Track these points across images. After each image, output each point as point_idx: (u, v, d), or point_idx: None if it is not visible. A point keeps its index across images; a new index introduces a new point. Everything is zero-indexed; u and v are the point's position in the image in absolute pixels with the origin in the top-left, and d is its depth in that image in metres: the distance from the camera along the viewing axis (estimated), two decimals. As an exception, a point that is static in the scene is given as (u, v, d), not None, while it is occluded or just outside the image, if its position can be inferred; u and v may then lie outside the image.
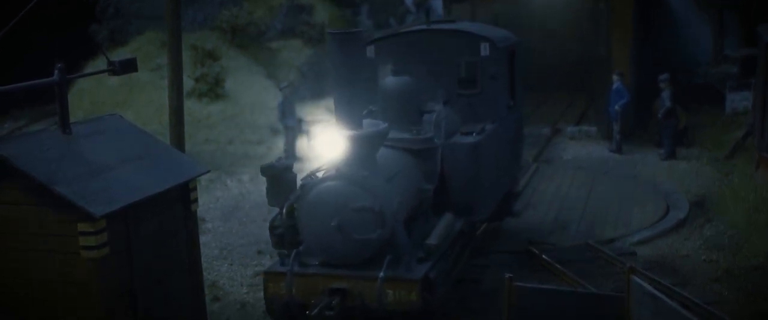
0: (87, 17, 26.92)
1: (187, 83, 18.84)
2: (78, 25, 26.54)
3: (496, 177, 10.85)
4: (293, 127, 17.98)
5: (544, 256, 11.50)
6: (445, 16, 25.55)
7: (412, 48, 10.88)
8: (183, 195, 8.36)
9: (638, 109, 20.04)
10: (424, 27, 11.30)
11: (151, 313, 7.88)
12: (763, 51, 16.16)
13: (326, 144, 8.22)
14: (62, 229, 7.18)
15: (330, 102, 10.01)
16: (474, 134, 10.03)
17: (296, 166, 9.14)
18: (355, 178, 8.09)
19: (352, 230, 8.02)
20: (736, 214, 12.57)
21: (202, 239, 10.55)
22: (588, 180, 16.32)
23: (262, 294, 8.73)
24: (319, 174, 8.51)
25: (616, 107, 18.56)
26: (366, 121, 8.56)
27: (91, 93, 22.31)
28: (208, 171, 9.39)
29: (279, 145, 18.78)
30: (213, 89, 21.49)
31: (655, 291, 7.38)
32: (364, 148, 8.21)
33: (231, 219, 14.58)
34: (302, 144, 17.30)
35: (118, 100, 21.68)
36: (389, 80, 9.75)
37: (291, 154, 17.34)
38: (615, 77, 18.72)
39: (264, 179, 8.86)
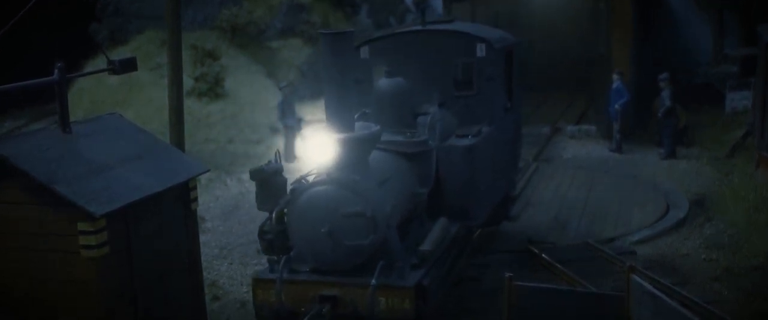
0: (87, 16, 26.92)
1: (187, 82, 18.83)
2: (78, 24, 26.54)
3: (493, 181, 10.64)
4: (293, 127, 17.97)
5: (543, 256, 11.50)
6: (445, 15, 25.54)
7: (407, 48, 10.68)
8: (183, 195, 8.36)
9: (638, 109, 20.05)
10: (419, 27, 11.07)
11: (150, 312, 7.88)
12: (763, 50, 16.17)
13: (316, 147, 7.99)
14: (62, 229, 7.18)
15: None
16: (470, 137, 9.79)
17: (289, 168, 8.95)
18: (346, 183, 7.85)
19: (343, 236, 7.79)
20: (736, 214, 12.58)
21: (202, 238, 10.55)
22: (588, 179, 16.33)
23: None
24: (310, 179, 8.24)
25: (616, 106, 18.57)
26: (358, 124, 8.34)
27: (91, 92, 22.29)
28: (208, 171, 9.34)
29: (279, 144, 18.78)
30: (213, 88, 21.48)
31: (655, 291, 7.38)
32: (356, 152, 7.97)
33: (231, 219, 14.58)
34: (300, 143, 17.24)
35: (118, 100, 21.66)
36: (383, 82, 9.56)
37: (290, 153, 17.34)
38: (615, 76, 18.73)
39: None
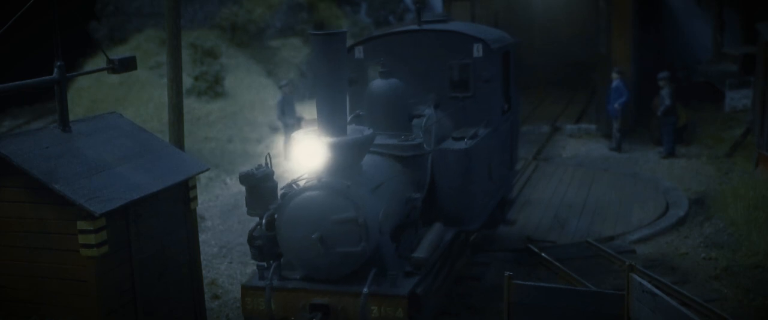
0: (87, 15, 26.92)
1: (187, 81, 18.88)
2: (78, 23, 26.54)
3: (489, 185, 10.36)
4: (292, 126, 17.97)
5: (543, 254, 11.49)
6: (445, 15, 25.51)
7: (403, 49, 10.42)
8: (182, 193, 8.36)
9: (638, 107, 20.04)
10: (414, 27, 10.76)
11: (150, 311, 7.89)
12: (762, 49, 16.19)
13: (307, 151, 7.72)
14: (62, 227, 7.19)
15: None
16: (466, 140, 9.50)
17: (289, 168, 8.74)
18: (337, 188, 7.60)
19: (334, 243, 7.56)
20: (736, 212, 12.58)
21: (202, 237, 10.57)
22: (587, 178, 16.33)
23: None
24: (301, 183, 7.99)
25: (616, 105, 18.56)
26: (351, 127, 8.08)
27: (91, 91, 22.30)
28: (208, 170, 9.30)
29: (278, 143, 18.78)
30: (212, 87, 21.50)
31: (655, 289, 7.38)
32: (348, 156, 7.74)
33: (230, 218, 14.58)
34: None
35: (118, 98, 21.67)
36: (377, 83, 9.21)
37: (290, 153, 17.31)
38: (614, 75, 18.73)
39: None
